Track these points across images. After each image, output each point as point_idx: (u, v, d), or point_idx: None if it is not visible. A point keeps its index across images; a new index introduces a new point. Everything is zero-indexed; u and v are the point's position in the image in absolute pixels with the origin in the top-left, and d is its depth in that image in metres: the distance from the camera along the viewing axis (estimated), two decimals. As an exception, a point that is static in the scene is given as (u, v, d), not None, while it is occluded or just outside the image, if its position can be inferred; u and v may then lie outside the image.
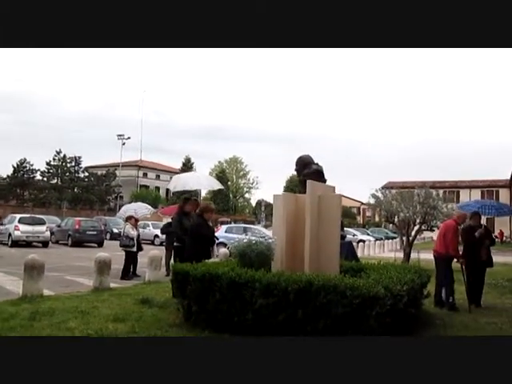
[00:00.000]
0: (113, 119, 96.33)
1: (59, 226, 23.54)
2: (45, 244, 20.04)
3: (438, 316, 6.70)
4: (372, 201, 15.35)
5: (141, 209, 14.66)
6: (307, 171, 7.48)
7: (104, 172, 54.55)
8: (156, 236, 24.28)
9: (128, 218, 11.62)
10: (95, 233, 21.91)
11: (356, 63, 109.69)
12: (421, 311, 6.22)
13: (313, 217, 5.70)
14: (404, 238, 15.18)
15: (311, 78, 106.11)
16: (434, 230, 14.69)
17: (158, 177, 64.86)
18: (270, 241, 5.77)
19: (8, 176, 50.69)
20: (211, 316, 5.21)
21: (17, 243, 19.22)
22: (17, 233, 19.37)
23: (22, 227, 19.49)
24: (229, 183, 61.49)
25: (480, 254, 7.83)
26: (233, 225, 25.54)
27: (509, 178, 45.45)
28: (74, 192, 51.95)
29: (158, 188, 61.43)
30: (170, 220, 11.97)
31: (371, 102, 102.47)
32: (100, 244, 21.52)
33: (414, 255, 14.65)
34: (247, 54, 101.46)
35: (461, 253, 7.82)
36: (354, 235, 30.18)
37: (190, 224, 7.26)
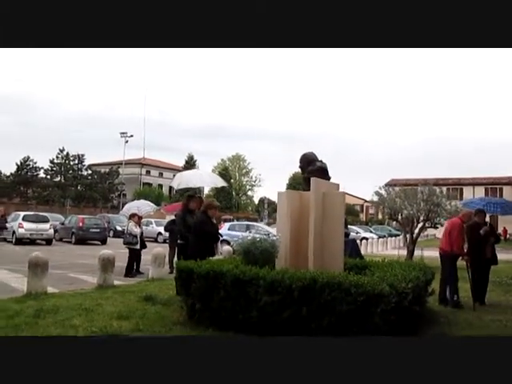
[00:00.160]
0: (113, 119, 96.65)
1: (63, 224, 23.63)
2: (48, 242, 20.09)
3: (443, 314, 6.68)
4: (375, 198, 15.35)
5: (144, 206, 14.68)
6: (311, 168, 7.47)
7: (107, 170, 54.65)
8: (159, 233, 24.30)
9: (131, 216, 11.62)
10: (98, 230, 21.95)
11: (356, 63, 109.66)
12: (425, 309, 6.20)
13: (317, 214, 5.69)
14: (408, 236, 15.16)
15: (312, 78, 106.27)
16: (437, 228, 14.68)
17: (160, 174, 64.94)
18: (274, 238, 5.76)
19: (12, 174, 50.85)
20: (215, 314, 5.21)
21: (21, 241, 19.29)
22: (21, 230, 19.44)
23: (26, 225, 19.55)
24: (231, 181, 61.47)
25: (485, 251, 7.80)
26: (236, 222, 25.53)
27: (512, 175, 45.27)
28: (77, 190, 52.06)
29: (160, 186, 61.49)
30: (173, 217, 11.98)
31: (372, 101, 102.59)
32: (103, 241, 21.58)
33: (417, 252, 14.62)
34: (247, 54, 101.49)
35: (466, 250, 7.79)
36: (357, 233, 30.16)
37: (194, 221, 7.25)
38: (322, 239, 5.71)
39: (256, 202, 69.32)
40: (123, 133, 51.87)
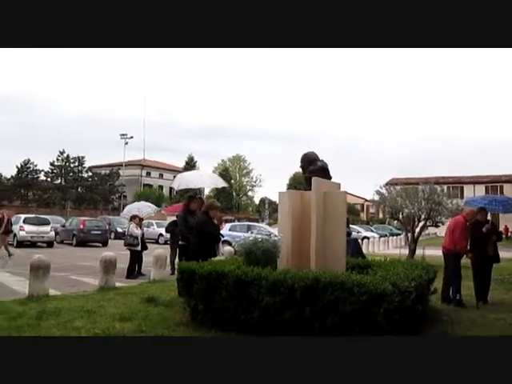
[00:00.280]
0: (113, 120, 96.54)
1: (64, 226, 23.61)
2: (50, 244, 20.08)
3: (445, 312, 6.66)
4: (376, 197, 15.33)
5: (145, 208, 14.70)
6: (312, 168, 7.44)
7: (107, 171, 54.68)
8: (160, 235, 24.31)
9: (132, 217, 11.62)
10: (100, 232, 21.95)
11: (356, 63, 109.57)
12: (428, 307, 6.19)
13: (318, 213, 5.67)
14: (409, 235, 15.14)
15: (311, 78, 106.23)
16: (438, 226, 14.67)
17: (161, 176, 64.93)
18: (276, 238, 5.74)
19: (12, 177, 50.87)
20: (218, 314, 5.19)
21: (22, 243, 19.29)
22: (22, 233, 19.43)
23: (27, 227, 19.55)
24: (232, 181, 61.44)
25: (487, 249, 7.78)
26: (237, 223, 25.51)
27: (512, 172, 45.21)
28: (77, 192, 52.09)
29: (161, 187, 61.47)
30: (174, 218, 11.98)
31: (372, 100, 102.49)
32: (104, 243, 21.57)
33: (418, 251, 14.60)
34: (247, 54, 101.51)
35: (468, 248, 7.77)
36: (358, 232, 30.12)
37: (195, 222, 7.24)
38: (324, 239, 5.70)
39: (256, 202, 69.29)
40: (123, 134, 51.97)
